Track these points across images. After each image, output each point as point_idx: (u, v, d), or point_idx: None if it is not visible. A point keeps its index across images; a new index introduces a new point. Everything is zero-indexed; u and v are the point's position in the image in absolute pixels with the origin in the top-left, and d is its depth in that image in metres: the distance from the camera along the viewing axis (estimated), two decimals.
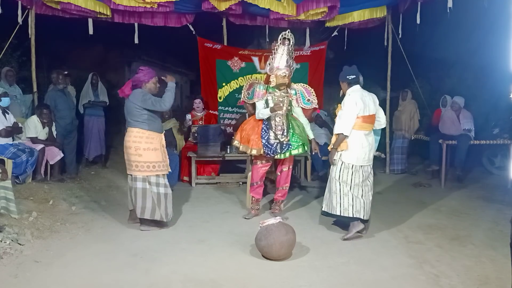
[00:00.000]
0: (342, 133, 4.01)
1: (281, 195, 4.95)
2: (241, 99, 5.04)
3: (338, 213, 4.11)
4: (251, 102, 4.79)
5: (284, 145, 4.64)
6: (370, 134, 4.19)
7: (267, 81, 4.76)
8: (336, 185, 4.11)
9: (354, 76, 4.16)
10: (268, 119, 4.68)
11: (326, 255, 3.73)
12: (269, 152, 4.61)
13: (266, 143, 4.61)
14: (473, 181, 6.86)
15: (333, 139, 4.16)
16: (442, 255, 3.74)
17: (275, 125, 4.65)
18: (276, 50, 4.61)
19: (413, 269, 3.45)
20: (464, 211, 5.16)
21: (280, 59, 4.58)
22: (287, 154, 4.69)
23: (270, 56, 4.69)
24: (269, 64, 4.68)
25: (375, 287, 3.17)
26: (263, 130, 4.66)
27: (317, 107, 5.04)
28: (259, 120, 4.73)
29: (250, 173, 5.17)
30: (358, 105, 4.01)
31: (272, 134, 4.64)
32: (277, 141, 4.63)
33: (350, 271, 3.41)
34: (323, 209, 4.31)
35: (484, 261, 3.61)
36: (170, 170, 4.40)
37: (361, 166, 4.11)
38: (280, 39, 4.60)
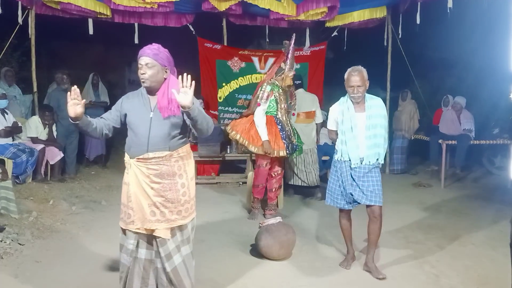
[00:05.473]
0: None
1: (275, 196, 4.96)
2: (258, 101, 4.72)
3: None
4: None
5: (294, 145, 4.72)
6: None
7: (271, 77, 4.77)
8: None
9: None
10: (281, 120, 4.70)
11: (326, 255, 3.73)
12: (289, 153, 4.67)
13: (286, 144, 4.64)
14: (473, 181, 6.86)
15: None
16: (442, 255, 3.75)
17: (285, 125, 4.71)
18: (290, 51, 4.66)
19: (413, 269, 3.45)
20: (464, 211, 5.16)
21: (291, 61, 4.69)
22: (295, 155, 4.83)
23: (284, 57, 4.71)
24: (285, 65, 4.67)
25: (375, 287, 3.17)
26: (281, 131, 4.66)
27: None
28: (272, 121, 4.67)
29: (250, 174, 5.18)
30: None
31: (285, 135, 4.68)
32: (290, 141, 4.68)
33: (350, 271, 3.42)
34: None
35: (484, 261, 3.61)
36: (144, 228, 2.58)
37: None
38: (293, 41, 4.69)
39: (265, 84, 4.70)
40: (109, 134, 2.67)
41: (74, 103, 2.43)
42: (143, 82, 2.56)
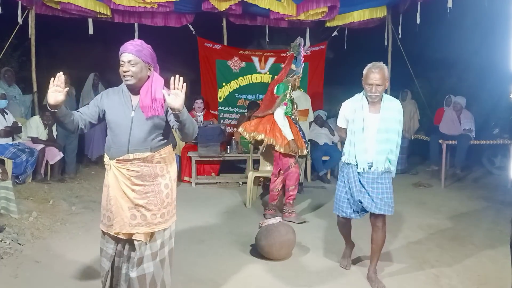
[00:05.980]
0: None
1: (277, 197, 4.95)
2: (285, 101, 4.68)
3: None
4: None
5: (307, 144, 4.85)
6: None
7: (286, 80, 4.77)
8: None
9: None
10: (296, 120, 4.79)
11: (326, 255, 3.73)
12: (308, 151, 4.85)
13: (306, 143, 4.77)
14: (473, 181, 6.86)
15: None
16: (442, 255, 3.75)
17: (299, 124, 4.82)
18: (301, 52, 4.69)
19: (413, 269, 3.45)
20: (464, 211, 5.16)
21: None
22: (305, 153, 4.88)
23: (294, 58, 4.73)
24: (297, 66, 4.71)
25: None
26: (300, 130, 4.74)
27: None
28: (290, 121, 4.68)
29: (250, 174, 5.19)
30: None
31: (303, 134, 4.78)
32: (305, 140, 4.80)
33: (350, 271, 3.42)
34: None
35: (484, 261, 3.61)
36: (124, 232, 2.43)
37: None
38: (301, 42, 4.73)
39: (287, 84, 4.67)
40: (84, 130, 2.49)
41: (56, 89, 2.23)
42: (127, 80, 2.39)
